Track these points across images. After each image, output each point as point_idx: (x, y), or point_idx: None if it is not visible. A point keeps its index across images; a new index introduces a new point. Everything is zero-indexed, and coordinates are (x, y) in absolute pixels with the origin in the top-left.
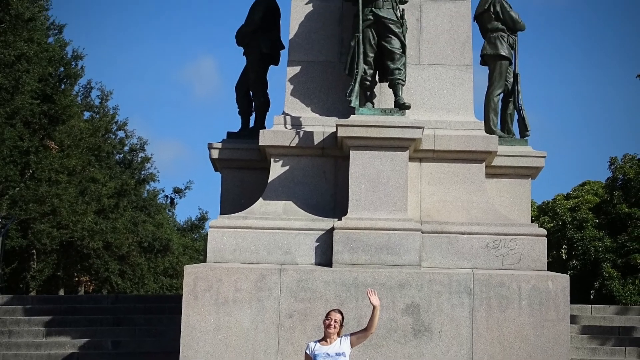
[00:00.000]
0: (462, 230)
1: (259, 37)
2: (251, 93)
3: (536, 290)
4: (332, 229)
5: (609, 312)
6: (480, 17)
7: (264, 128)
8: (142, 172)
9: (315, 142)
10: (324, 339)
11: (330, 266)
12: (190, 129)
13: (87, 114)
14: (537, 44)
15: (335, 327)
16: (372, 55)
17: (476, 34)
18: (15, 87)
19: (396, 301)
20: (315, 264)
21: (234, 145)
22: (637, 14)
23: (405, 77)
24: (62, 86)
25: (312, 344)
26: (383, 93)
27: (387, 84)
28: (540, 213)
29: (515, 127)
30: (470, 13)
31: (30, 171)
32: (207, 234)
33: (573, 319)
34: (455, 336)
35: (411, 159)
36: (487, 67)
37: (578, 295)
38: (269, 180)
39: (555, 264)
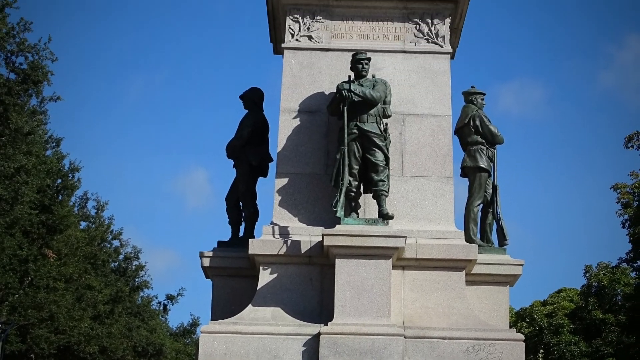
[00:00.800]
0: (443, 335)
1: (248, 151)
2: (241, 204)
3: None
4: (319, 334)
5: None
6: (461, 131)
7: (253, 237)
8: (137, 280)
9: (303, 251)
10: None
11: None
12: (183, 238)
13: (83, 224)
14: (516, 156)
15: None
16: (357, 167)
17: (457, 147)
18: (14, 198)
19: None
20: None
21: (225, 253)
22: (608, 124)
23: (388, 189)
24: (60, 197)
25: None
26: (367, 204)
27: (372, 195)
28: (518, 319)
29: (494, 237)
30: (451, 127)
31: (29, 278)
32: (198, 339)
33: None
34: None
35: (394, 266)
36: (467, 179)
37: None
38: (258, 288)
39: None
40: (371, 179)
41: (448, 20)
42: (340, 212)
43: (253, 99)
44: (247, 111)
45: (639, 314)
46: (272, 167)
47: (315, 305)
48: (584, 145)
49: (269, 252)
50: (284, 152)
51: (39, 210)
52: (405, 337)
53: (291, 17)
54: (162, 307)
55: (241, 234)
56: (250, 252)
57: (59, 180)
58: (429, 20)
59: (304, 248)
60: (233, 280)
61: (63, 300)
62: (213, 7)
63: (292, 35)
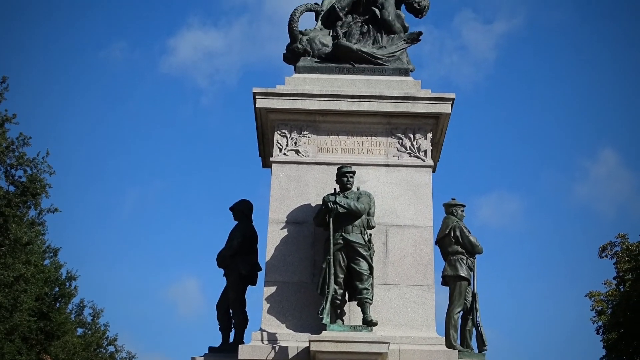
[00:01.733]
0: None
1: (238, 260)
2: (231, 311)
3: None
4: None
5: None
6: (442, 241)
7: (243, 343)
8: None
9: (290, 357)
10: None
11: None
12: (175, 344)
13: (80, 330)
14: (495, 266)
15: None
16: (342, 276)
17: (438, 257)
18: (14, 305)
19: None
20: None
21: (215, 359)
22: (583, 234)
23: (372, 296)
24: (57, 305)
25: None
26: (352, 311)
27: (356, 302)
28: None
29: (473, 342)
30: (432, 237)
31: None
32: None
33: None
34: None
35: None
36: (447, 287)
37: None
38: None
39: None
40: (356, 287)
41: (429, 135)
42: (326, 319)
43: (242, 210)
44: (237, 222)
45: None
46: (261, 275)
47: None
48: (559, 254)
49: (257, 357)
50: (272, 262)
51: (37, 317)
52: None
53: (279, 132)
54: None
55: (231, 340)
56: (240, 357)
57: (57, 289)
58: (412, 135)
59: (291, 354)
60: None
61: None
62: (205, 124)
63: (280, 150)
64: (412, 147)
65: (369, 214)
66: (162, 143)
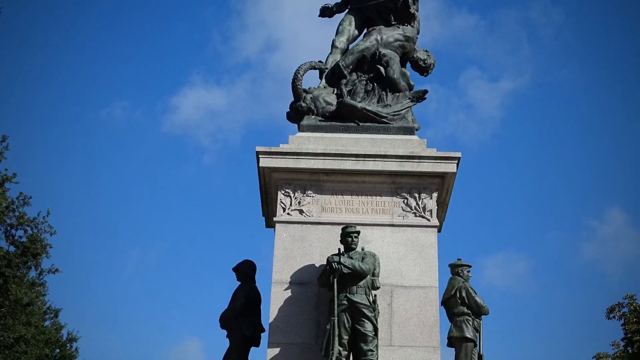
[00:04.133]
0: None
1: (241, 321)
2: None
3: None
4: None
5: None
6: (447, 302)
7: None
8: None
9: None
10: None
11: None
12: None
13: None
14: (501, 327)
15: None
16: (346, 337)
17: (443, 317)
18: None
19: None
20: None
21: None
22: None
23: (377, 358)
24: None
25: None
26: None
27: None
28: None
29: None
30: (438, 298)
31: None
32: None
33: None
34: None
35: None
36: (453, 349)
37: None
38: None
39: None
40: (360, 349)
41: (435, 195)
42: None
43: (246, 271)
44: (240, 283)
45: None
46: (265, 337)
47: None
48: (567, 315)
49: None
50: (275, 323)
51: None
52: None
53: (283, 192)
54: None
55: None
56: None
57: (58, 350)
58: (417, 195)
59: None
60: None
61: None
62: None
63: (284, 209)
64: (417, 207)
65: (373, 275)
66: (164, 203)
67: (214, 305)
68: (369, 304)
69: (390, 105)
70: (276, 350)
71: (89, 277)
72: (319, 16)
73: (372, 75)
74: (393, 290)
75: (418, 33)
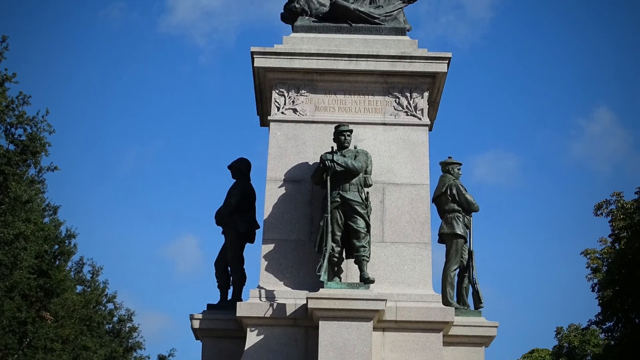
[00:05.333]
0: None
1: (236, 218)
2: (229, 269)
3: None
4: None
5: None
6: (438, 199)
7: (241, 300)
8: (130, 341)
9: (288, 314)
10: None
11: None
12: (174, 301)
13: (79, 288)
14: (491, 223)
15: None
16: (339, 234)
17: (434, 215)
18: (13, 263)
19: None
20: None
21: (214, 316)
22: (578, 192)
23: (369, 254)
24: (57, 262)
25: None
26: (349, 268)
27: (353, 260)
28: None
29: (470, 300)
30: (429, 196)
31: (28, 340)
32: None
33: None
34: None
35: (375, 328)
36: (444, 245)
37: None
38: (245, 348)
39: None
40: (353, 245)
41: (426, 94)
42: (323, 277)
43: (241, 169)
44: (235, 180)
45: None
46: (259, 233)
47: None
48: (555, 212)
49: (255, 314)
50: (270, 220)
51: (37, 274)
52: None
53: (277, 91)
54: None
55: (229, 297)
56: (238, 314)
57: (56, 247)
58: (408, 94)
59: (289, 311)
60: (222, 342)
61: None
62: (203, 83)
63: (278, 109)
64: (408, 106)
65: (366, 172)
66: (161, 102)
67: (209, 203)
68: (361, 201)
69: (382, 7)
70: (270, 247)
71: (87, 174)
72: None
73: None
74: (385, 188)
75: None
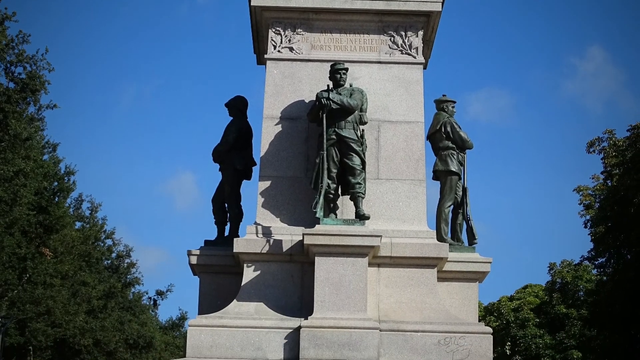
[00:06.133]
0: (416, 328)
1: (233, 155)
2: (226, 205)
3: None
4: (299, 327)
5: None
6: (433, 137)
7: (238, 237)
8: (128, 277)
9: (284, 249)
10: None
11: None
12: (171, 237)
13: (78, 224)
14: (485, 161)
15: None
16: (335, 171)
17: (429, 152)
18: (13, 199)
19: None
20: (285, 359)
21: (211, 252)
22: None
23: (365, 191)
24: (56, 199)
25: None
26: (345, 205)
27: (349, 197)
28: (487, 313)
29: (464, 236)
30: (423, 133)
31: (27, 275)
32: (186, 332)
33: None
34: None
35: (370, 264)
36: (438, 182)
37: None
38: (242, 284)
39: (500, 359)
40: (349, 181)
41: (421, 33)
42: (319, 213)
43: (238, 106)
44: (232, 118)
45: (600, 309)
46: (256, 170)
47: (296, 300)
48: (548, 150)
49: (252, 250)
50: (266, 157)
51: (36, 211)
52: (380, 331)
53: (273, 30)
54: (152, 302)
55: (226, 233)
56: (235, 250)
57: (56, 183)
58: (403, 33)
59: (285, 247)
60: (219, 277)
61: (59, 296)
62: (201, 22)
63: (274, 47)
64: (403, 45)
65: (361, 110)
66: (159, 40)
67: (207, 140)
68: (356, 138)
69: None
70: (267, 183)
71: (86, 112)
72: None
73: None
74: (380, 125)
75: None
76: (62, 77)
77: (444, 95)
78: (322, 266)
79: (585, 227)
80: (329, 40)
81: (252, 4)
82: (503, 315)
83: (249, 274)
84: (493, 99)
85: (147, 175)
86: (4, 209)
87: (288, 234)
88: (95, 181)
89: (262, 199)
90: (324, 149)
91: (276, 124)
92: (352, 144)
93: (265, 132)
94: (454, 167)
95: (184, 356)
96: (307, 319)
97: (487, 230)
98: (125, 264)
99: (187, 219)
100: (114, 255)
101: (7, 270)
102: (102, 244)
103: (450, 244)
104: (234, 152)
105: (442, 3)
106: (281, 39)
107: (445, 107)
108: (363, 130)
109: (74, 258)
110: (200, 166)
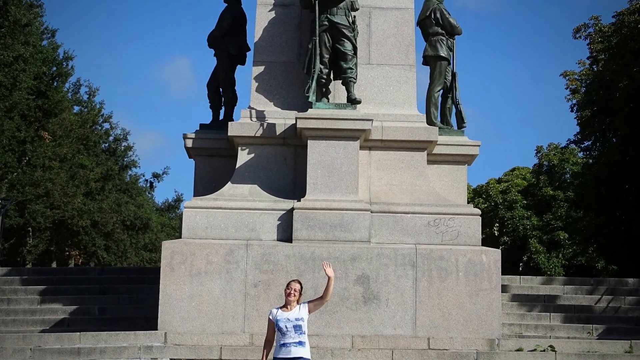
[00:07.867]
0: (407, 210)
1: (228, 41)
2: (221, 90)
3: (472, 263)
4: (292, 209)
5: (535, 282)
6: (423, 23)
7: (232, 120)
8: (125, 159)
9: (278, 133)
10: (285, 305)
11: (291, 242)
12: (167, 121)
13: (76, 108)
14: (473, 45)
15: (294, 296)
16: (327, 56)
17: (419, 38)
18: (13, 84)
19: (348, 273)
20: (277, 240)
21: (206, 135)
22: (558, 16)
23: (356, 76)
24: (55, 84)
25: (274, 310)
26: (337, 89)
27: (341, 81)
28: (475, 195)
29: (453, 120)
30: (413, 19)
31: (27, 158)
32: (182, 214)
33: (504, 289)
34: (400, 303)
35: (362, 147)
36: (428, 67)
37: (508, 267)
38: (237, 167)
39: (488, 240)
40: (340, 66)
41: None
42: (312, 97)
43: None
44: (226, 4)
45: (586, 191)
46: (250, 56)
47: (289, 182)
48: (535, 35)
49: (246, 134)
50: (260, 42)
51: (35, 95)
52: (371, 212)
53: None
54: (148, 185)
55: (221, 117)
56: (229, 134)
57: (54, 68)
58: None
59: (278, 130)
60: (214, 160)
61: (58, 178)
62: None
63: None
64: None
65: None
66: None
67: (202, 26)
68: (348, 24)
69: None
70: (261, 68)
71: None
72: None
73: None
74: (371, 12)
75: None
76: None
77: None
78: (315, 149)
79: (572, 111)
80: None
81: None
82: (491, 197)
83: (243, 157)
84: None
85: (144, 60)
86: (3, 94)
87: (281, 118)
88: (93, 66)
89: (256, 84)
90: (316, 34)
91: (270, 11)
92: (344, 30)
93: (259, 19)
94: (443, 52)
95: (180, 237)
96: (300, 200)
97: (476, 114)
98: (122, 147)
99: (183, 103)
100: (111, 138)
101: (7, 153)
102: (99, 128)
103: (439, 128)
104: (228, 38)
105: None
106: None
107: None
108: (355, 16)
109: (72, 141)
110: (196, 51)
